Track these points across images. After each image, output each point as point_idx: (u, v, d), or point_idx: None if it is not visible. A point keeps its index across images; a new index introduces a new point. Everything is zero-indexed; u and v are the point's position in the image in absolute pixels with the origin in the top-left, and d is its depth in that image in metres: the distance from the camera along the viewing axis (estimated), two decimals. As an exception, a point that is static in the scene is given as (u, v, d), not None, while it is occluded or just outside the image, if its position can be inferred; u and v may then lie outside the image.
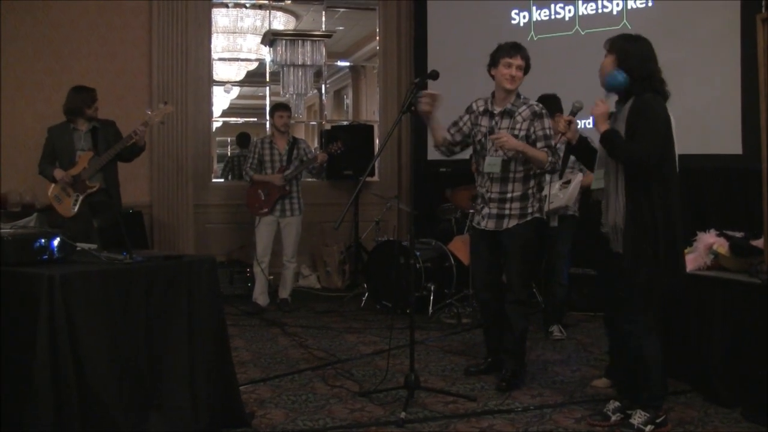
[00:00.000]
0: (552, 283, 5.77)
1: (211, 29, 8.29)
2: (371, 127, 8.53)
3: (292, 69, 7.99)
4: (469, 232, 5.12)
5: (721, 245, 4.28)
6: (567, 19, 7.25)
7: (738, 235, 4.36)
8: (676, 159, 3.54)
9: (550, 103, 5.04)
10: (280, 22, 9.84)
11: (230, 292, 7.19)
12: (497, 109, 4.43)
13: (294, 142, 6.87)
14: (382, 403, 4.04)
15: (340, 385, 4.40)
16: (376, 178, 8.62)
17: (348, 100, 13.79)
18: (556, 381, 4.54)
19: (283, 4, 9.45)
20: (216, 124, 10.20)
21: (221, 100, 11.72)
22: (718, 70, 6.28)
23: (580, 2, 7.15)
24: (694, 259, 4.30)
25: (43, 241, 3.10)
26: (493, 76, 4.44)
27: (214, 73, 8.54)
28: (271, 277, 7.04)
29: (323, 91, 9.04)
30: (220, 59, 9.46)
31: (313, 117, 12.25)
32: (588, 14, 7.11)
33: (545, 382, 4.51)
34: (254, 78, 10.77)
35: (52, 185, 5.54)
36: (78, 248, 3.35)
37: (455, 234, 6.92)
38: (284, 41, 7.97)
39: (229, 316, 5.69)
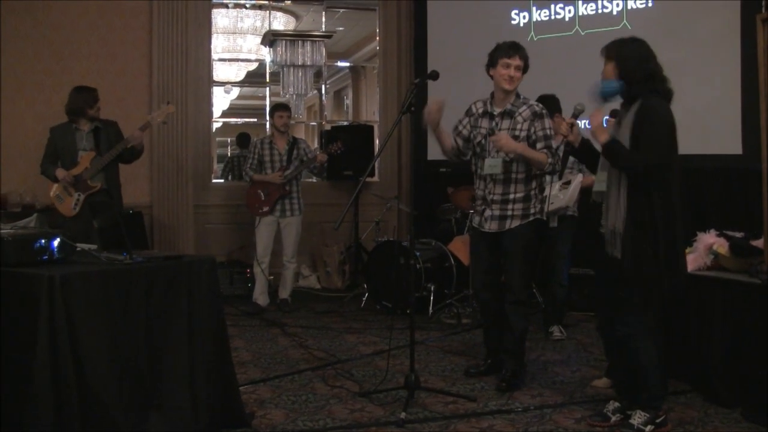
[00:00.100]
0: (552, 284, 5.77)
1: (211, 30, 8.29)
2: (371, 128, 8.53)
3: (292, 69, 8.00)
4: (469, 232, 5.12)
5: (721, 245, 4.28)
6: (567, 19, 7.25)
7: (738, 235, 4.36)
8: (679, 161, 3.54)
9: (549, 104, 5.04)
10: (280, 22, 9.84)
11: (230, 293, 7.20)
12: (497, 110, 4.43)
13: (294, 142, 6.87)
14: (382, 404, 4.04)
15: (340, 385, 4.40)
16: (376, 178, 8.62)
17: (348, 101, 13.80)
18: (556, 381, 4.54)
19: (283, 4, 9.45)
20: (216, 125, 10.20)
21: (221, 100, 11.73)
22: (718, 70, 6.28)
23: (580, 2, 7.15)
24: (694, 260, 4.30)
25: (43, 241, 3.11)
26: (491, 77, 4.43)
27: (214, 73, 8.55)
28: (271, 277, 7.04)
29: (323, 91, 9.04)
30: (220, 60, 9.46)
31: (313, 117, 12.25)
32: (588, 14, 7.10)
33: (545, 382, 4.51)
34: (254, 78, 10.77)
35: (54, 185, 5.54)
36: (78, 249, 3.35)
37: (455, 234, 6.92)
38: (284, 42, 7.97)
39: (229, 316, 5.70)
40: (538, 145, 4.32)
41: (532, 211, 4.39)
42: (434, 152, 7.87)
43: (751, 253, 4.14)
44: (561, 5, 7.27)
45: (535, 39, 7.38)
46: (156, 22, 7.64)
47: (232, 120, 12.31)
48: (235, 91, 12.16)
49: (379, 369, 4.76)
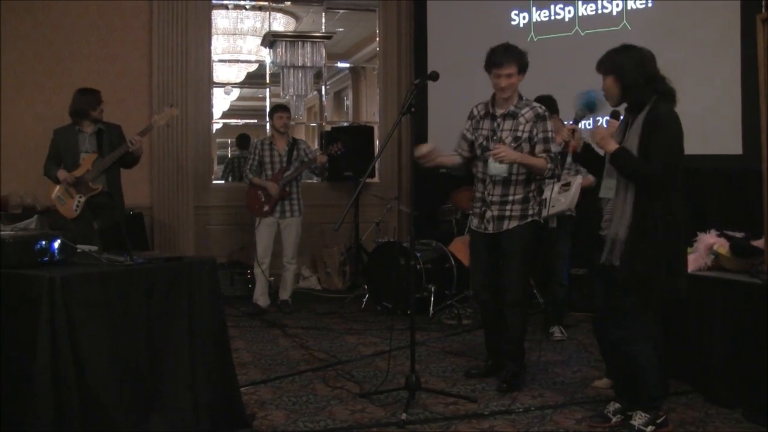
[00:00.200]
0: (552, 284, 5.77)
1: (211, 31, 8.30)
2: (371, 129, 8.53)
3: (292, 70, 8.01)
4: (469, 233, 5.12)
5: (722, 245, 4.28)
6: (567, 19, 7.24)
7: (738, 235, 4.36)
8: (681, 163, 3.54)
9: (547, 105, 5.02)
10: (280, 23, 9.83)
11: (231, 294, 7.20)
12: (499, 111, 4.42)
13: (294, 143, 6.88)
14: (383, 405, 4.04)
15: (341, 386, 4.40)
16: (376, 179, 8.62)
17: (348, 102, 13.79)
18: (557, 382, 4.54)
19: (283, 5, 9.45)
20: (216, 126, 10.19)
21: (221, 101, 11.71)
22: (718, 70, 6.27)
23: (580, 3, 7.14)
24: (694, 260, 4.29)
25: (43, 243, 3.11)
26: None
27: (214, 74, 8.55)
28: (272, 278, 7.04)
29: (323, 92, 9.04)
30: (220, 61, 9.46)
31: (314, 118, 12.24)
32: (588, 15, 7.10)
33: (546, 383, 4.51)
34: (254, 79, 10.77)
35: (56, 186, 5.55)
36: (78, 250, 3.35)
37: (456, 235, 6.92)
38: (284, 43, 7.98)
39: (230, 317, 5.70)
40: (538, 148, 4.32)
41: (531, 212, 4.38)
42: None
43: (751, 253, 4.14)
44: (561, 6, 7.27)
45: (535, 39, 7.38)
46: (156, 23, 7.65)
47: (233, 121, 12.30)
48: (235, 92, 12.15)
49: (380, 370, 4.76)
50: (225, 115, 11.78)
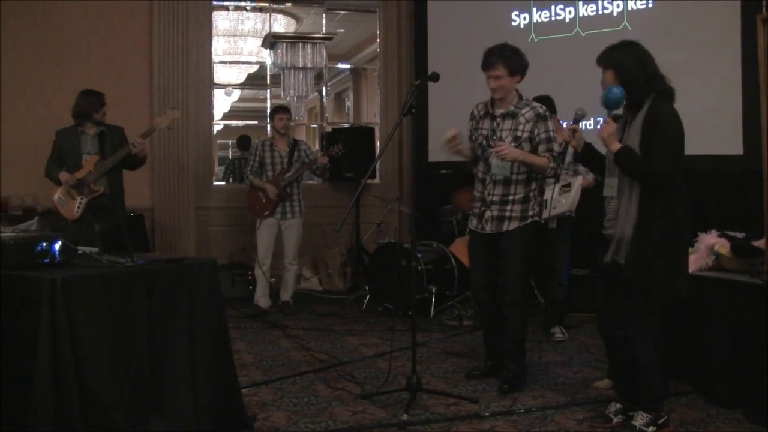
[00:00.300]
0: (552, 285, 5.77)
1: (211, 32, 8.31)
2: (372, 130, 8.53)
3: (292, 71, 8.02)
4: (468, 234, 5.11)
5: (723, 246, 4.27)
6: (567, 20, 7.25)
7: (739, 235, 4.36)
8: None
9: (544, 105, 5.04)
10: (281, 24, 9.84)
11: (232, 295, 7.20)
12: (499, 111, 4.42)
13: (294, 144, 6.88)
14: (384, 406, 4.04)
15: (342, 387, 4.40)
16: (377, 180, 8.61)
17: (349, 103, 13.79)
18: (558, 382, 4.54)
19: (283, 6, 9.45)
20: (217, 127, 10.20)
21: (222, 103, 11.71)
22: (718, 70, 6.28)
23: (581, 3, 7.15)
24: (695, 260, 4.29)
25: (44, 244, 3.11)
26: None
27: (214, 76, 8.55)
28: (273, 279, 7.04)
29: (324, 93, 9.05)
30: (221, 62, 9.46)
31: (314, 119, 12.26)
32: (588, 15, 7.10)
33: (547, 383, 4.51)
34: (255, 81, 10.76)
35: (58, 188, 5.55)
36: (79, 252, 3.36)
37: (456, 236, 6.92)
38: (285, 44, 7.99)
39: (231, 318, 5.69)
40: (541, 148, 4.32)
41: (531, 213, 4.37)
42: (435, 154, 7.90)
43: (752, 253, 4.14)
44: (561, 6, 7.27)
45: (536, 40, 7.38)
46: (156, 24, 7.66)
47: (233, 122, 12.30)
48: (236, 94, 12.15)
49: (381, 371, 4.76)
50: (226, 117, 11.78)
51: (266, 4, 9.05)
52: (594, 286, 6.25)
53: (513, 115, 4.38)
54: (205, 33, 8.11)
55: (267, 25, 9.22)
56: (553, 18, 7.34)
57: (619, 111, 3.67)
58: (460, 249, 6.53)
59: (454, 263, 6.52)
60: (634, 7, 6.82)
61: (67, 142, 5.59)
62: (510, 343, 4.42)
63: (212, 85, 8.39)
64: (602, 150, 3.69)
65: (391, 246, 6.73)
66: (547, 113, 4.40)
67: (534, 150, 4.33)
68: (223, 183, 9.19)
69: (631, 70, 3.48)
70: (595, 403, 4.06)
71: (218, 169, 10.57)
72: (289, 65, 7.98)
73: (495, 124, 4.41)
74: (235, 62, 9.86)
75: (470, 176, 4.69)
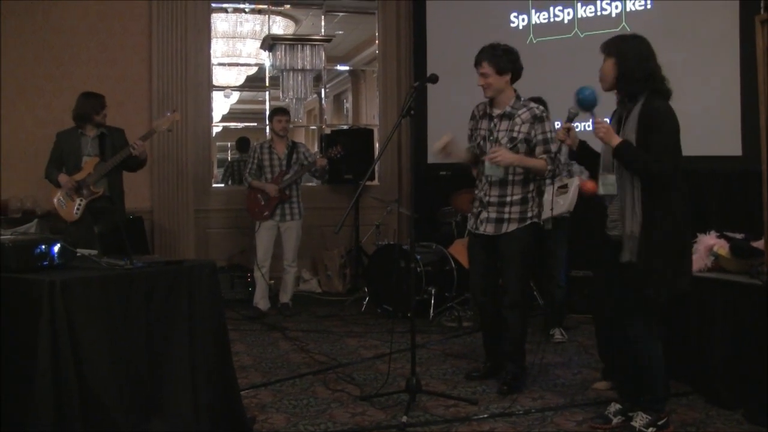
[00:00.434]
0: (550, 286, 5.77)
1: (210, 34, 8.30)
2: (371, 131, 8.52)
3: (291, 73, 8.02)
4: (468, 235, 5.11)
5: (722, 247, 4.28)
6: (566, 21, 7.25)
7: (738, 236, 4.36)
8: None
9: None
10: (280, 26, 9.84)
11: (231, 297, 7.20)
12: (496, 112, 4.43)
13: (293, 147, 6.88)
14: (384, 407, 4.04)
15: (342, 389, 4.40)
16: (376, 181, 8.62)
17: (348, 104, 13.79)
18: (558, 384, 4.54)
19: (282, 8, 9.46)
20: (216, 129, 10.21)
21: (221, 104, 11.72)
22: (717, 71, 6.27)
23: (579, 5, 7.15)
24: (695, 261, 4.29)
25: (43, 247, 3.10)
26: None
27: (213, 78, 8.55)
28: (272, 281, 7.04)
29: (323, 95, 9.05)
30: (220, 64, 9.46)
31: (313, 121, 12.26)
32: (587, 17, 7.10)
33: (546, 384, 4.51)
34: (254, 83, 10.76)
35: (57, 190, 5.56)
36: (78, 254, 3.36)
37: (456, 237, 6.92)
38: (284, 46, 7.99)
39: (230, 320, 5.69)
40: (538, 150, 4.31)
41: (530, 214, 4.36)
42: (434, 156, 7.88)
43: (751, 254, 4.14)
44: (560, 7, 7.28)
45: (534, 41, 7.39)
46: (155, 27, 7.66)
47: (232, 124, 12.31)
48: (235, 96, 12.15)
49: (380, 372, 4.76)
50: (225, 119, 11.78)
51: (265, 6, 9.06)
52: (593, 287, 6.31)
53: (510, 116, 4.38)
54: (204, 35, 8.11)
55: (266, 26, 9.23)
56: (551, 19, 7.34)
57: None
58: (459, 250, 6.53)
59: (453, 265, 6.52)
60: (633, 8, 6.82)
61: (68, 144, 5.60)
62: (509, 344, 4.42)
63: (211, 87, 8.39)
64: (597, 148, 3.69)
65: (391, 247, 6.73)
66: (545, 114, 4.38)
67: (531, 151, 4.32)
68: (222, 185, 9.18)
69: (632, 63, 3.47)
70: (594, 405, 4.06)
71: (217, 172, 10.57)
72: (288, 67, 7.99)
73: (492, 124, 4.41)
74: (233, 64, 9.87)
75: (469, 178, 4.69)
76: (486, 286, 4.51)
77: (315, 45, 8.10)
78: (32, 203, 6.99)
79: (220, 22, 9.31)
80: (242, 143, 10.18)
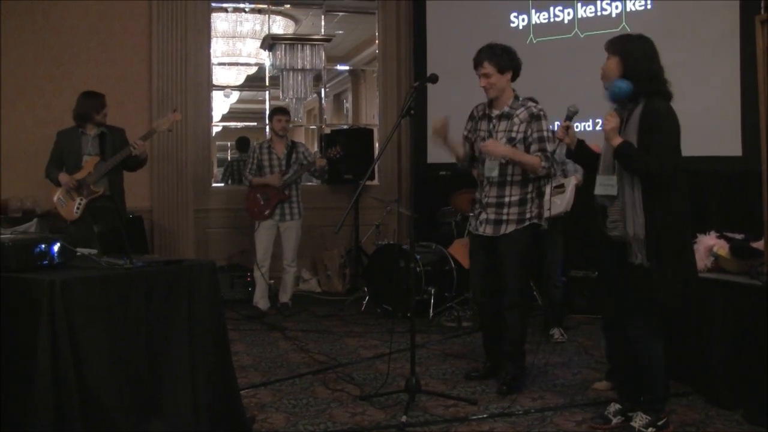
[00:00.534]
0: (548, 286, 5.77)
1: (210, 34, 8.30)
2: (371, 131, 8.52)
3: (291, 73, 8.02)
4: (468, 236, 5.11)
5: (722, 247, 4.28)
6: (566, 21, 7.25)
7: (738, 236, 4.36)
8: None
9: None
10: (280, 26, 9.84)
11: (231, 297, 7.19)
12: (495, 112, 4.43)
13: (293, 146, 6.88)
14: (383, 407, 4.04)
15: (341, 389, 4.40)
16: (376, 181, 8.62)
17: (348, 104, 13.79)
18: (557, 384, 4.54)
19: (282, 8, 9.46)
20: (216, 129, 10.21)
21: (221, 104, 11.72)
22: (717, 71, 6.28)
23: (579, 5, 7.15)
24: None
25: (43, 246, 3.10)
26: None
27: (213, 77, 8.55)
28: (272, 281, 7.04)
29: (323, 95, 9.05)
30: (220, 64, 9.46)
31: (313, 121, 12.25)
32: (587, 17, 7.10)
33: (546, 385, 4.51)
34: (254, 82, 10.76)
35: (57, 189, 5.56)
36: (78, 253, 3.36)
37: (455, 237, 6.92)
38: (284, 45, 7.99)
39: (230, 320, 5.69)
40: (533, 148, 4.30)
41: (528, 215, 4.36)
42: (434, 155, 7.89)
43: (751, 254, 4.14)
44: (560, 8, 7.28)
45: (534, 42, 7.39)
46: (155, 27, 7.66)
47: (232, 124, 12.31)
48: (235, 95, 12.16)
49: (380, 372, 4.76)
50: (224, 118, 11.78)
51: (265, 6, 9.06)
52: (593, 286, 6.32)
53: (508, 116, 4.37)
54: (203, 35, 8.11)
55: (266, 26, 9.22)
56: (551, 19, 7.35)
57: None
58: (458, 250, 6.54)
59: (453, 265, 6.52)
60: (633, 8, 6.82)
61: (68, 143, 5.60)
62: (509, 344, 4.42)
63: (211, 86, 8.39)
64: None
65: (390, 247, 6.73)
66: (542, 112, 4.36)
67: (527, 150, 4.31)
68: (222, 185, 9.18)
69: (637, 63, 3.46)
70: (594, 405, 4.06)
71: (217, 171, 10.58)
72: (287, 67, 7.99)
73: (491, 125, 4.41)
74: (233, 64, 9.87)
75: (469, 178, 4.70)
76: (486, 286, 4.51)
77: (315, 45, 8.10)
78: (32, 203, 6.99)
79: (220, 22, 9.30)
80: (242, 143, 10.18)
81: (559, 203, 5.39)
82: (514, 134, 4.33)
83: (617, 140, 3.47)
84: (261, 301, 6.82)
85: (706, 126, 6.06)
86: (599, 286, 5.59)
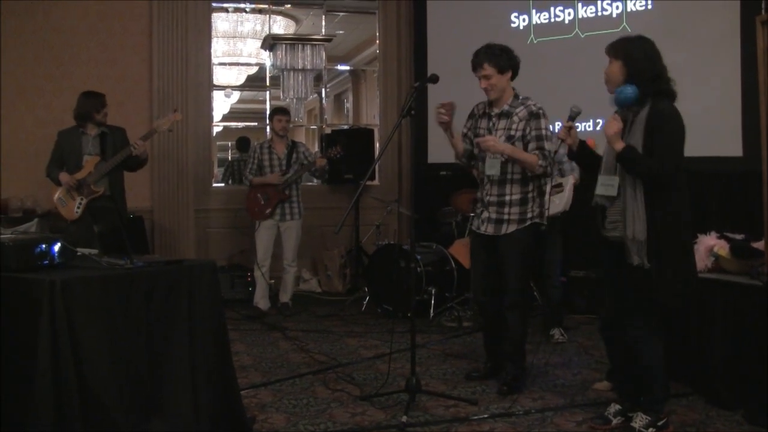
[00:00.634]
0: (546, 286, 5.77)
1: (211, 34, 8.30)
2: (371, 131, 8.53)
3: (292, 73, 8.03)
4: (470, 235, 5.11)
5: (722, 247, 4.27)
6: (567, 22, 7.25)
7: (738, 237, 4.36)
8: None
9: None
10: (280, 26, 9.84)
11: (231, 297, 7.19)
12: (495, 111, 4.43)
13: (293, 146, 6.88)
14: (384, 407, 4.04)
15: (341, 389, 4.40)
16: (376, 181, 8.62)
17: (348, 104, 13.79)
18: (558, 384, 4.54)
19: (282, 8, 9.46)
20: (216, 129, 10.21)
21: (221, 104, 11.72)
22: (718, 71, 6.28)
23: (580, 5, 7.15)
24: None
25: (43, 246, 3.10)
26: None
27: (214, 77, 8.55)
28: (272, 281, 7.04)
29: (323, 95, 9.06)
30: (221, 64, 9.46)
31: (314, 121, 12.26)
32: (587, 17, 7.10)
33: (546, 385, 4.51)
34: (254, 82, 10.76)
35: (58, 189, 5.56)
36: (79, 253, 3.36)
37: (456, 237, 6.92)
38: (284, 45, 8.00)
39: (230, 320, 5.70)
40: (531, 146, 4.29)
41: (529, 215, 4.35)
42: (434, 155, 7.90)
43: (751, 255, 4.14)
44: (561, 8, 7.28)
45: (535, 42, 7.38)
46: (156, 27, 7.66)
47: (233, 124, 12.31)
48: (236, 95, 12.16)
49: (380, 372, 4.76)
50: (225, 118, 11.78)
51: (265, 6, 9.06)
52: (593, 286, 6.32)
53: (507, 115, 4.37)
54: (204, 35, 8.11)
55: (266, 26, 9.23)
56: (552, 19, 7.34)
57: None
58: (459, 250, 6.54)
59: (453, 265, 6.51)
60: (634, 9, 6.82)
61: (69, 143, 5.61)
62: (509, 345, 4.42)
63: (211, 86, 8.39)
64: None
65: (391, 247, 6.73)
66: (541, 111, 4.35)
67: (525, 148, 4.31)
68: (223, 185, 9.18)
69: (640, 65, 3.45)
70: (594, 405, 4.06)
71: (217, 171, 10.58)
72: (288, 67, 7.99)
73: (491, 124, 4.42)
74: (234, 64, 9.87)
75: (469, 178, 4.70)
76: (487, 285, 4.50)
77: (315, 45, 8.10)
78: (32, 203, 6.99)
79: (220, 22, 9.31)
80: (242, 143, 10.19)
81: (557, 203, 5.39)
82: (513, 132, 4.33)
83: (620, 145, 3.46)
84: (261, 301, 6.82)
85: (706, 126, 6.05)
86: (599, 286, 5.60)
